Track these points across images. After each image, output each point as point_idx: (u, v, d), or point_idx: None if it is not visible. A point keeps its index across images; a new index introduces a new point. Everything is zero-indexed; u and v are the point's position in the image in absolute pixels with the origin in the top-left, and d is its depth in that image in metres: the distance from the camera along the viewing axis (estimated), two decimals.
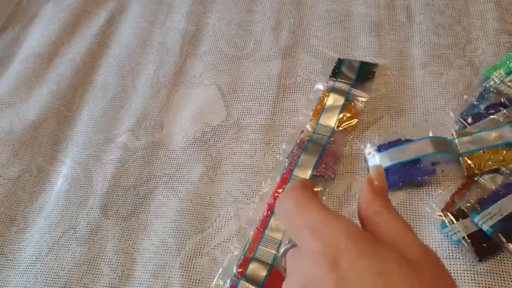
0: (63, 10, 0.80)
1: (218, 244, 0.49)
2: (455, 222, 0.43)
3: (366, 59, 0.60)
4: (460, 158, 0.47)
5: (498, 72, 0.52)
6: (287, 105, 0.59)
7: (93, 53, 0.73)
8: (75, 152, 0.61)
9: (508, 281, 0.40)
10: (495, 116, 0.48)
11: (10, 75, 0.73)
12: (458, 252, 0.43)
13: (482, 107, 0.50)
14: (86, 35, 0.76)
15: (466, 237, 0.42)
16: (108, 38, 0.75)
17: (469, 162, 0.46)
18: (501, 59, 0.54)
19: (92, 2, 0.81)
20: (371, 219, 0.24)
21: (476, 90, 0.53)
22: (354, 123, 0.53)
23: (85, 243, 0.51)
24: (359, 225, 0.25)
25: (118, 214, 0.53)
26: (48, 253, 0.52)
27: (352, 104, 0.55)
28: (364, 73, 0.57)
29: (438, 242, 0.44)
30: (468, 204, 0.43)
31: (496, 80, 0.51)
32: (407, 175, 0.47)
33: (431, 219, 0.45)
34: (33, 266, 0.51)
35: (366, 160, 0.50)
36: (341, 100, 0.55)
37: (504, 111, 0.49)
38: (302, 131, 0.54)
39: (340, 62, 0.60)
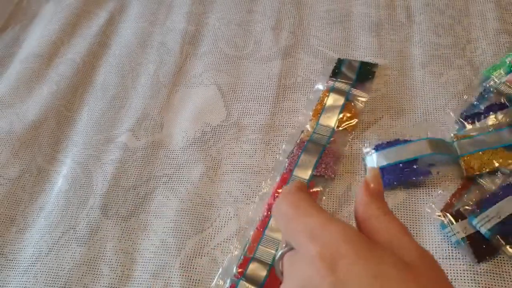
0: (63, 10, 0.80)
1: (218, 244, 0.49)
2: (454, 223, 0.43)
3: (366, 59, 0.60)
4: (460, 159, 0.47)
5: (498, 72, 0.52)
6: (287, 105, 0.59)
7: (93, 53, 0.73)
8: (75, 152, 0.61)
9: (508, 281, 0.40)
10: (494, 118, 0.48)
11: (10, 75, 0.73)
12: (458, 252, 0.43)
13: (482, 107, 0.50)
14: (86, 35, 0.76)
15: (465, 239, 0.42)
16: (108, 38, 0.75)
17: (469, 163, 0.46)
18: (501, 59, 0.54)
19: (92, 2, 0.81)
20: (368, 222, 0.24)
21: (476, 90, 0.53)
22: (354, 123, 0.53)
23: (85, 243, 0.51)
24: (356, 228, 0.25)
25: (118, 214, 0.53)
26: (48, 253, 0.52)
27: (352, 104, 0.55)
28: (364, 73, 0.57)
29: (438, 242, 0.44)
30: (467, 207, 0.43)
31: (496, 80, 0.51)
32: (403, 175, 0.47)
33: (431, 220, 0.45)
34: (33, 266, 0.51)
35: (363, 159, 0.51)
36: (341, 100, 0.55)
37: (501, 114, 0.49)
38: (302, 131, 0.54)
39: (340, 62, 0.60)
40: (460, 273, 0.42)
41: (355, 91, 0.56)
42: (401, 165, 0.47)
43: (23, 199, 0.57)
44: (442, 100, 0.54)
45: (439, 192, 0.46)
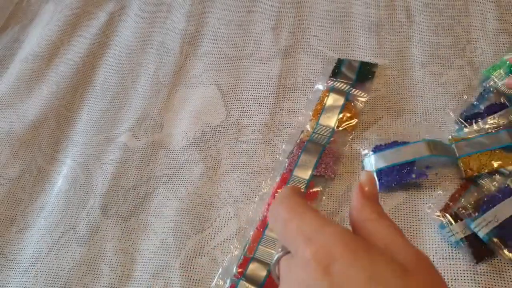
0: (63, 10, 0.80)
1: (218, 244, 0.49)
2: (453, 223, 0.43)
3: (366, 59, 0.60)
4: (458, 161, 0.47)
5: (498, 72, 0.52)
6: (287, 105, 0.59)
7: (93, 53, 0.73)
8: (75, 152, 0.61)
9: (507, 281, 0.40)
10: (493, 120, 0.48)
11: (10, 75, 0.73)
12: (458, 252, 0.43)
13: (482, 107, 0.50)
14: (86, 35, 0.76)
15: (463, 239, 0.42)
16: (108, 38, 0.75)
17: (468, 164, 0.46)
18: (501, 59, 0.54)
19: (92, 2, 0.81)
20: (362, 225, 0.24)
21: (476, 90, 0.53)
22: (354, 123, 0.53)
23: (85, 243, 0.51)
24: (351, 231, 0.25)
25: (118, 214, 0.53)
26: (48, 253, 0.52)
27: (352, 104, 0.55)
28: (364, 73, 0.57)
29: (438, 242, 0.44)
30: (464, 210, 0.43)
31: (496, 80, 0.51)
32: (401, 177, 0.47)
33: (430, 220, 0.45)
34: (33, 266, 0.51)
35: (362, 161, 0.51)
36: (341, 100, 0.55)
37: (499, 116, 0.49)
38: (302, 131, 0.54)
39: (340, 62, 0.60)
40: (460, 273, 0.42)
41: (355, 91, 0.56)
42: (399, 167, 0.47)
43: (23, 199, 0.57)
44: (442, 100, 0.54)
45: (439, 192, 0.47)
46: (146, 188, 0.55)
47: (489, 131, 0.48)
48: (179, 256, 0.48)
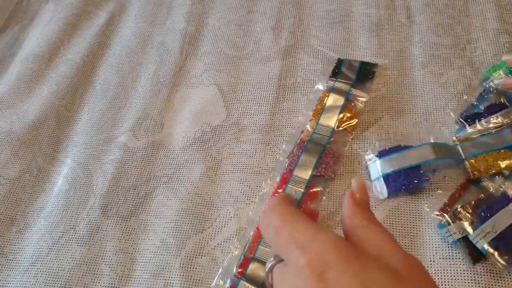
0: (63, 10, 0.80)
1: (218, 244, 0.49)
2: (451, 223, 0.43)
3: (366, 59, 0.60)
4: (465, 162, 0.47)
5: (498, 72, 0.52)
6: (287, 105, 0.59)
7: (93, 53, 0.73)
8: (75, 152, 0.61)
9: (508, 281, 0.40)
10: (496, 119, 0.48)
11: (10, 75, 0.73)
12: (458, 252, 0.43)
13: (482, 107, 0.50)
14: (86, 35, 0.76)
15: (460, 240, 0.42)
16: (108, 38, 0.75)
17: (475, 165, 0.46)
18: (501, 59, 0.54)
19: (92, 2, 0.81)
20: (354, 232, 0.24)
21: (476, 90, 0.53)
22: (354, 123, 0.53)
23: (85, 243, 0.51)
24: (344, 237, 0.25)
25: (118, 214, 0.53)
26: (48, 253, 0.52)
27: (352, 104, 0.55)
28: (364, 73, 0.57)
29: (438, 242, 0.44)
30: (463, 212, 0.43)
31: (496, 80, 0.51)
32: (409, 182, 0.46)
33: (430, 219, 0.45)
34: (33, 266, 0.51)
35: (367, 167, 0.50)
36: (341, 100, 0.55)
37: (501, 115, 0.48)
38: (302, 131, 0.54)
39: (340, 62, 0.60)
40: (460, 273, 0.42)
41: (355, 91, 0.56)
42: (405, 171, 0.47)
43: (23, 199, 0.57)
44: (442, 100, 0.54)
45: (439, 191, 0.46)
46: (146, 188, 0.55)
47: (490, 131, 0.47)
48: (179, 256, 0.48)
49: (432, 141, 0.48)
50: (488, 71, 0.53)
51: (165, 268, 0.48)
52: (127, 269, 0.49)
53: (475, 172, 0.46)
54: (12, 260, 0.52)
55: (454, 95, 0.54)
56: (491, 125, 0.48)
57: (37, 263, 0.51)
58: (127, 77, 0.68)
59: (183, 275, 0.47)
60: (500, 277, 0.41)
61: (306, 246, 0.22)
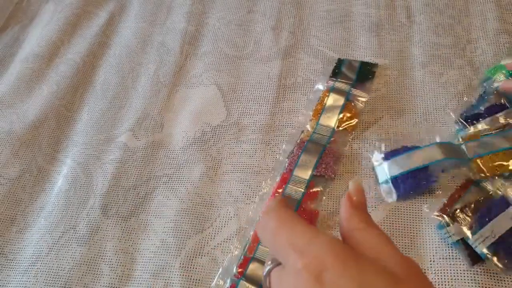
0: (63, 10, 0.80)
1: (218, 244, 0.49)
2: (450, 225, 0.42)
3: (366, 59, 0.60)
4: (471, 162, 0.46)
5: (499, 74, 0.52)
6: (287, 105, 0.59)
7: (93, 53, 0.73)
8: (75, 152, 0.61)
9: (507, 281, 0.40)
10: (499, 119, 0.48)
11: (10, 75, 0.73)
12: (458, 252, 0.43)
13: (482, 108, 0.50)
14: (86, 35, 0.76)
15: (459, 241, 0.42)
16: (108, 38, 0.75)
17: (481, 166, 0.45)
18: (501, 63, 0.54)
19: (92, 2, 0.81)
20: (352, 234, 0.24)
21: (476, 91, 0.53)
22: (354, 123, 0.53)
23: (85, 243, 0.51)
24: (341, 240, 0.25)
25: (118, 214, 0.53)
26: (48, 253, 0.52)
27: (352, 104, 0.55)
28: (364, 73, 0.57)
29: (438, 242, 0.44)
30: (462, 214, 0.42)
31: (497, 82, 0.51)
32: (417, 183, 0.46)
33: (429, 219, 0.45)
34: (33, 266, 0.51)
35: (373, 169, 0.49)
36: (341, 100, 0.55)
37: (502, 116, 0.48)
38: (302, 131, 0.54)
39: (340, 62, 0.60)
40: (460, 273, 0.42)
41: (355, 91, 0.56)
42: (413, 173, 0.46)
43: (23, 199, 0.57)
44: (442, 100, 0.54)
45: (439, 192, 0.46)
46: (146, 188, 0.55)
47: (491, 131, 0.47)
48: (179, 256, 0.48)
49: (437, 140, 0.48)
50: (489, 72, 0.53)
51: (165, 268, 0.48)
52: (127, 269, 0.49)
53: (482, 171, 0.45)
54: (12, 260, 0.52)
55: (454, 95, 0.54)
56: (494, 124, 0.47)
57: (37, 263, 0.51)
58: (127, 77, 0.68)
59: (183, 275, 0.47)
60: (500, 277, 0.41)
61: (303, 249, 0.22)
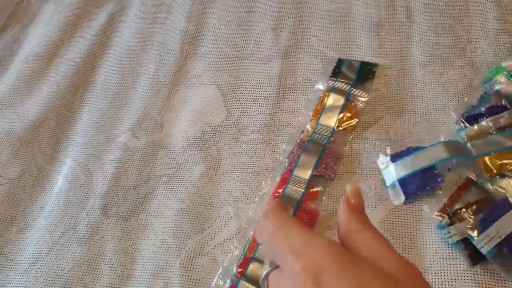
0: (63, 10, 0.80)
1: (218, 244, 0.48)
2: (451, 225, 0.42)
3: (366, 59, 0.60)
4: (477, 160, 0.46)
5: (500, 75, 0.51)
6: (287, 105, 0.59)
7: (93, 53, 0.73)
8: (75, 152, 0.61)
9: (507, 281, 0.40)
10: (502, 119, 0.48)
11: (10, 75, 0.73)
12: (458, 253, 0.43)
13: (483, 108, 0.50)
14: (86, 35, 0.76)
15: (460, 242, 0.42)
16: (108, 38, 0.75)
17: (487, 163, 0.45)
18: (499, 65, 0.53)
19: (92, 2, 0.81)
20: (350, 237, 0.24)
21: (477, 91, 0.53)
22: (354, 123, 0.53)
23: (85, 243, 0.51)
24: (339, 242, 0.25)
25: (118, 214, 0.53)
26: (48, 253, 0.52)
27: (352, 104, 0.55)
28: (364, 73, 0.57)
29: (438, 242, 0.44)
30: (464, 213, 0.42)
31: (497, 84, 0.51)
32: (425, 183, 0.45)
33: (429, 219, 0.45)
34: (33, 266, 0.51)
35: (380, 172, 0.49)
36: (341, 100, 0.55)
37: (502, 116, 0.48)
38: (302, 131, 0.54)
39: (340, 62, 0.60)
40: (460, 273, 0.42)
41: (355, 91, 0.56)
42: (420, 173, 0.46)
43: (23, 199, 0.57)
44: (442, 100, 0.54)
45: (439, 191, 0.46)
46: (146, 188, 0.55)
47: (491, 131, 0.47)
48: (179, 256, 0.48)
49: (442, 139, 0.47)
50: (491, 72, 0.53)
51: (165, 268, 0.48)
52: (127, 269, 0.49)
53: (489, 169, 0.45)
54: (12, 260, 0.52)
55: (454, 95, 0.54)
56: (494, 126, 0.47)
57: (37, 263, 0.51)
58: (127, 77, 0.68)
59: (183, 275, 0.47)
60: (501, 277, 0.41)
61: (300, 251, 0.22)
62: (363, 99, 0.55)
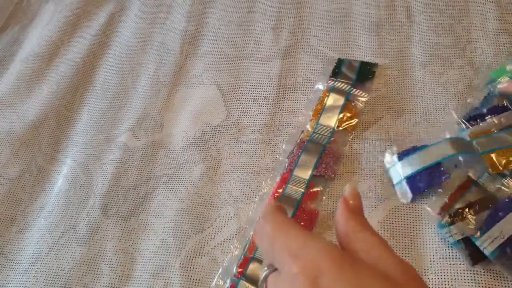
0: (63, 10, 0.80)
1: (218, 244, 0.49)
2: (451, 224, 0.42)
3: (366, 59, 0.60)
4: (483, 157, 0.45)
5: (503, 77, 0.51)
6: (287, 105, 0.59)
7: (93, 53, 0.73)
8: (75, 152, 0.61)
9: (508, 281, 0.40)
10: (495, 120, 0.48)
11: (10, 75, 0.73)
12: (458, 252, 0.43)
13: (485, 109, 0.49)
14: (86, 35, 0.76)
15: (461, 241, 0.41)
16: (108, 38, 0.75)
17: (493, 160, 0.45)
18: (501, 68, 0.53)
19: (92, 2, 0.81)
20: (348, 238, 0.24)
21: (480, 91, 0.52)
22: (354, 123, 0.53)
23: (85, 243, 0.51)
24: (338, 244, 0.25)
25: (118, 214, 0.53)
26: (48, 253, 0.52)
27: (352, 104, 0.55)
28: (364, 73, 0.57)
29: (438, 242, 0.44)
30: (467, 214, 0.42)
31: (501, 84, 0.50)
32: (431, 180, 0.45)
33: (430, 218, 0.45)
34: (33, 266, 0.51)
35: (387, 171, 0.49)
36: (341, 100, 0.55)
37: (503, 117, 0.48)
38: (302, 131, 0.54)
39: (340, 62, 0.60)
40: (460, 273, 0.42)
41: (355, 91, 0.56)
42: (426, 170, 0.46)
43: (23, 199, 0.57)
44: (442, 100, 0.54)
45: (439, 191, 0.46)
46: (146, 188, 0.55)
47: (494, 130, 0.47)
48: (179, 256, 0.48)
49: (447, 136, 0.47)
50: (495, 73, 0.52)
51: (165, 268, 0.48)
52: (127, 269, 0.49)
53: (495, 167, 0.44)
54: (12, 260, 0.52)
55: (454, 95, 0.54)
56: (496, 126, 0.47)
57: (37, 263, 0.51)
58: (127, 77, 0.68)
59: (183, 275, 0.47)
60: (501, 277, 0.41)
61: (298, 254, 0.22)
62: (363, 99, 0.55)
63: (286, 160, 0.52)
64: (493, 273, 0.41)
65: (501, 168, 0.44)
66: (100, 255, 0.50)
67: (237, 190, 0.52)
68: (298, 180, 0.50)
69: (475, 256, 0.41)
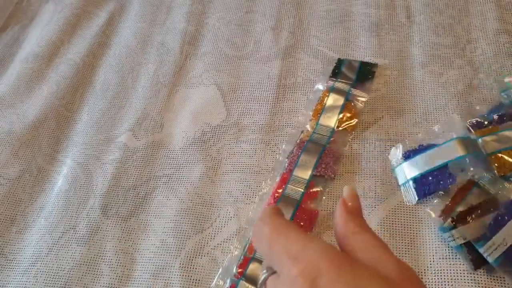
0: (63, 10, 0.80)
1: (218, 244, 0.49)
2: (453, 228, 0.42)
3: (366, 59, 0.60)
4: (489, 158, 0.44)
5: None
6: (287, 105, 0.59)
7: (93, 53, 0.73)
8: (75, 152, 0.61)
9: (508, 281, 0.40)
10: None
11: (10, 75, 0.73)
12: (460, 256, 0.43)
13: (494, 116, 0.48)
14: (86, 35, 0.76)
15: (463, 245, 0.41)
16: (108, 38, 0.75)
17: (500, 162, 0.44)
18: (499, 79, 0.52)
19: (92, 2, 0.81)
20: (347, 240, 0.24)
21: (496, 99, 0.51)
22: (354, 123, 0.53)
23: (85, 243, 0.51)
24: (336, 246, 0.25)
25: (118, 214, 0.53)
26: (48, 253, 0.52)
27: (352, 104, 0.55)
28: (364, 73, 0.57)
29: (438, 242, 0.44)
30: (470, 220, 0.41)
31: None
32: (438, 185, 0.44)
33: (431, 220, 0.45)
34: (33, 266, 0.51)
35: (393, 171, 0.49)
36: (341, 100, 0.55)
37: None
38: (302, 131, 0.54)
39: (340, 62, 0.60)
40: (460, 273, 0.42)
41: (355, 91, 0.56)
42: (433, 172, 0.44)
43: (23, 199, 0.57)
44: (442, 100, 0.54)
45: (440, 192, 0.46)
46: (146, 188, 0.55)
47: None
48: (179, 256, 0.48)
49: (454, 136, 0.46)
50: (502, 76, 0.52)
51: (165, 268, 0.48)
52: (127, 269, 0.49)
53: (501, 168, 0.43)
54: (12, 260, 0.52)
55: (454, 95, 0.54)
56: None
57: (37, 263, 0.51)
58: (127, 77, 0.68)
59: (183, 275, 0.47)
60: (501, 277, 0.41)
61: (297, 256, 0.22)
62: (363, 99, 0.55)
63: (286, 160, 0.52)
64: (493, 273, 0.41)
65: (507, 171, 0.43)
66: (100, 255, 0.50)
67: (237, 190, 0.52)
68: (298, 180, 0.50)
69: (477, 261, 0.41)
